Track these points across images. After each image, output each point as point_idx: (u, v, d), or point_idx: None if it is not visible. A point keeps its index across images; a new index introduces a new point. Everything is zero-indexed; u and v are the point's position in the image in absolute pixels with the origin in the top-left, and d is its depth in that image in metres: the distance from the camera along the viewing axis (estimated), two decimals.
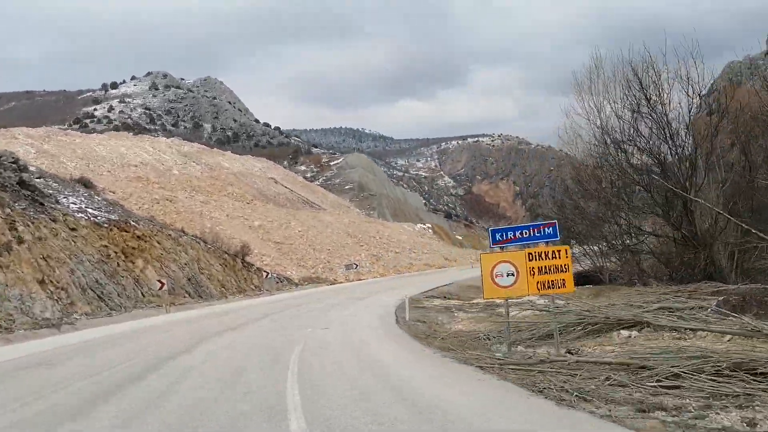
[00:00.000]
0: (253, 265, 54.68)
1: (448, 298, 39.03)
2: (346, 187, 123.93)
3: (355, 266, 66.35)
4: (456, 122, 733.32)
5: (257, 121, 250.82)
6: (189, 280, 43.92)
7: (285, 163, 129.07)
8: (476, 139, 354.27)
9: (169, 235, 45.81)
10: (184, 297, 41.66)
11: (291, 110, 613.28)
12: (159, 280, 34.95)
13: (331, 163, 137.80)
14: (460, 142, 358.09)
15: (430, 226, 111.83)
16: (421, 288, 44.01)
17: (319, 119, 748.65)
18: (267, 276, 48.46)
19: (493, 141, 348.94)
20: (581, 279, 47.17)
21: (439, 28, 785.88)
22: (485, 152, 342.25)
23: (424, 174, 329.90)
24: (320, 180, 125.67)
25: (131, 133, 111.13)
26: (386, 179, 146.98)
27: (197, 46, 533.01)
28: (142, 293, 37.78)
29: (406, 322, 23.10)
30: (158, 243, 43.18)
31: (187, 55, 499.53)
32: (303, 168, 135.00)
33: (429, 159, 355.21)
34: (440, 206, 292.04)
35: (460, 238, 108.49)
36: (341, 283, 64.77)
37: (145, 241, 41.70)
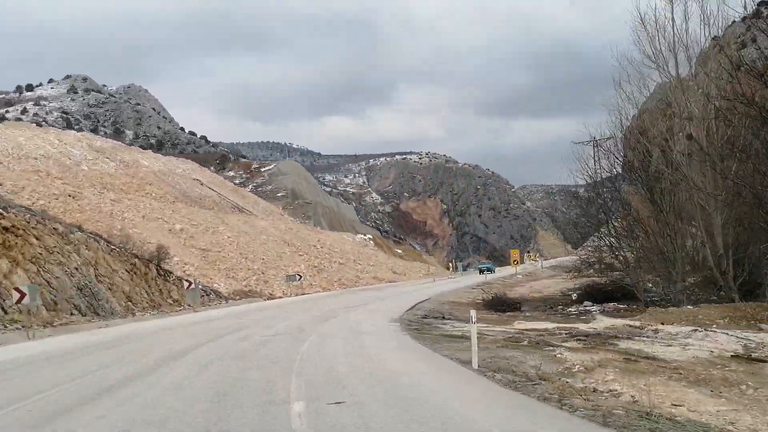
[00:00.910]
0: (171, 273, 41.73)
1: (448, 318, 27.41)
2: (279, 194, 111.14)
3: (298, 278, 53.83)
4: (384, 140, 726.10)
5: (183, 129, 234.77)
6: (80, 290, 30.76)
7: (212, 168, 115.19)
8: (404, 156, 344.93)
9: (55, 229, 32.55)
10: (71, 314, 28.65)
11: (218, 122, 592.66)
12: (17, 289, 22.04)
13: (262, 170, 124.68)
14: (388, 159, 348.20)
15: (371, 237, 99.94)
16: (397, 304, 32.47)
17: (246, 133, 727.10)
18: (190, 287, 35.54)
19: (420, 158, 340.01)
20: (610, 294, 36.28)
21: (367, 46, 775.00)
22: (413, 169, 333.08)
23: (352, 190, 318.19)
24: (250, 187, 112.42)
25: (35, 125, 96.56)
26: (320, 188, 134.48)
27: (120, 54, 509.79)
28: (2, 308, 24.80)
29: (490, 376, 10.95)
30: (37, 239, 29.97)
31: (110, 63, 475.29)
32: (231, 174, 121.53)
33: (357, 175, 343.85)
34: (368, 222, 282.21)
35: (400, 251, 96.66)
36: (280, 297, 52.33)
37: (16, 235, 28.55)
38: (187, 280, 36.32)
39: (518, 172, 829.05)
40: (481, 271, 70.40)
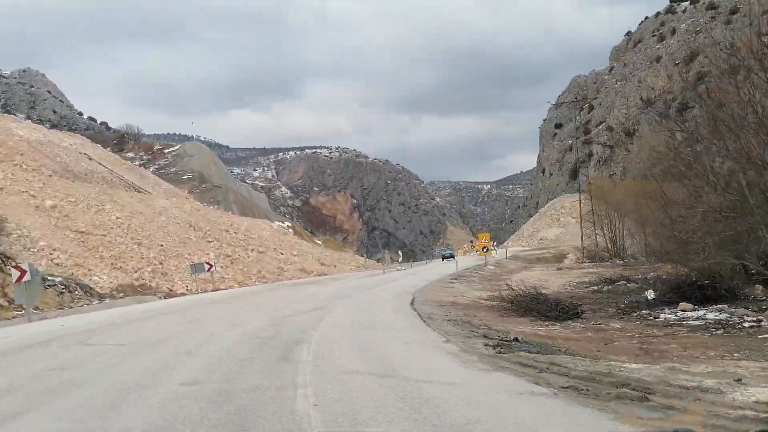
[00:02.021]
0: (11, 259, 26.32)
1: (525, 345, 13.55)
2: (184, 177, 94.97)
3: (206, 268, 38.98)
4: (293, 134, 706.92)
5: (81, 114, 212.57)
6: None
7: (108, 149, 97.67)
8: (314, 150, 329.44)
9: None
10: None
11: (122, 112, 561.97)
12: None
13: (166, 151, 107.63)
14: (297, 152, 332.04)
15: (290, 225, 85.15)
16: (393, 308, 18.88)
17: (152, 124, 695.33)
18: (22, 278, 20.19)
19: (330, 153, 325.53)
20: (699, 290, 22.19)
21: (276, 40, 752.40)
22: (323, 164, 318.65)
23: (261, 184, 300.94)
24: (152, 169, 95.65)
25: None
26: (230, 174, 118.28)
27: (18, 39, 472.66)
28: None
29: None
30: None
31: (6, 48, 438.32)
32: (131, 155, 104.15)
33: (266, 169, 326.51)
34: (279, 217, 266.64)
35: (320, 243, 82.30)
36: (182, 294, 37.55)
37: None
38: (17, 267, 20.92)
39: (427, 168, 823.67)
40: (444, 258, 65.61)
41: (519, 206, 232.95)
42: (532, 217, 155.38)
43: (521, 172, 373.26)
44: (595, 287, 29.53)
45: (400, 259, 53.41)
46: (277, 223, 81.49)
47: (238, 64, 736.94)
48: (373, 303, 22.20)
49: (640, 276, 32.12)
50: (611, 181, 77.55)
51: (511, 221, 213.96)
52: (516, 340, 12.84)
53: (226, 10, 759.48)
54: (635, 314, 20.07)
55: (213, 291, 37.20)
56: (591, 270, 39.11)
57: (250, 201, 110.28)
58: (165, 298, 34.63)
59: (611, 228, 56.58)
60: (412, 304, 21.62)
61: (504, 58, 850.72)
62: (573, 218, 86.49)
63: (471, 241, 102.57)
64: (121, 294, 34.33)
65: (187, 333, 15.40)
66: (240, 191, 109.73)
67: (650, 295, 21.35)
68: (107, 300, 30.66)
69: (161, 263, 45.52)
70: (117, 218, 50.06)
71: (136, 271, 42.72)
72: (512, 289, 22.37)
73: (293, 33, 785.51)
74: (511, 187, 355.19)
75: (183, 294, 38.57)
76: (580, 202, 63.86)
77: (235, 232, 57.16)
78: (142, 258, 45.25)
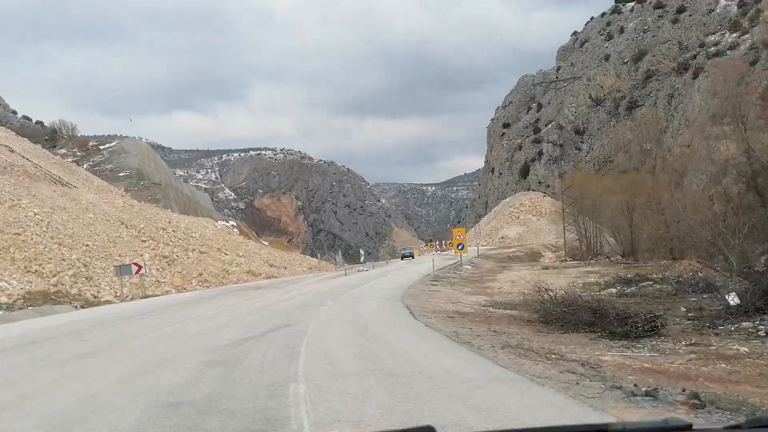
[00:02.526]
0: None
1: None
2: (121, 174, 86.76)
3: (134, 270, 31.96)
4: (237, 136, 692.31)
5: (15, 112, 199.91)
6: None
7: (39, 145, 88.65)
8: (258, 152, 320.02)
9: None
10: None
11: (59, 113, 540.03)
12: None
13: (102, 148, 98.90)
14: (242, 154, 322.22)
15: (235, 224, 77.97)
16: (406, 332, 11.92)
17: (92, 126, 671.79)
18: None
19: (275, 155, 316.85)
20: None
21: (219, 42, 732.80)
22: (267, 165, 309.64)
23: (204, 186, 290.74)
24: (86, 166, 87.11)
25: None
26: (172, 173, 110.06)
27: None
28: None
29: None
30: None
31: None
32: (63, 151, 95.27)
33: (209, 171, 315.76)
34: (222, 216, 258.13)
35: (266, 243, 75.47)
36: (109, 303, 30.62)
37: None
38: None
39: (372, 169, 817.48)
40: (404, 257, 65.36)
41: (466, 206, 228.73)
42: (483, 216, 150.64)
43: (465, 174, 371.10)
44: (612, 289, 23.64)
45: (362, 258, 47.15)
46: (221, 222, 74.22)
47: (179, 66, 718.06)
48: (360, 316, 15.89)
49: (659, 276, 26.35)
50: (596, 176, 72.50)
51: (459, 222, 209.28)
52: (696, 398, 6.47)
53: (166, 11, 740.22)
54: (724, 326, 14.17)
55: (143, 298, 30.21)
56: (589, 269, 33.43)
57: (192, 200, 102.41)
58: (83, 307, 27.65)
59: (593, 225, 51.18)
60: (412, 315, 15.44)
61: (446, 61, 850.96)
62: (533, 216, 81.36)
63: (430, 240, 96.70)
64: (27, 303, 27.18)
65: (46, 394, 8.38)
66: (182, 189, 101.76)
67: (733, 300, 15.46)
68: (3, 311, 23.56)
69: (86, 266, 38.21)
70: (35, 215, 42.41)
71: (54, 275, 35.41)
72: (548, 294, 16.16)
73: (236, 35, 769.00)
74: (455, 188, 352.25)
75: (109, 302, 31.56)
76: (563, 199, 58.43)
77: (173, 231, 49.88)
78: (63, 260, 37.89)
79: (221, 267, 46.03)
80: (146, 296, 31.21)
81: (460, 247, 38.18)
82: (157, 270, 42.16)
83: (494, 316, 17.27)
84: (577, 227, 55.46)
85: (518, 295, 23.97)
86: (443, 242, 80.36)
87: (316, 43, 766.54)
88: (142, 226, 47.72)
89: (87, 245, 41.47)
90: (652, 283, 23.35)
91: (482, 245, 67.87)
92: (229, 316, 17.68)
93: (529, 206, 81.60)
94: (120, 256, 41.16)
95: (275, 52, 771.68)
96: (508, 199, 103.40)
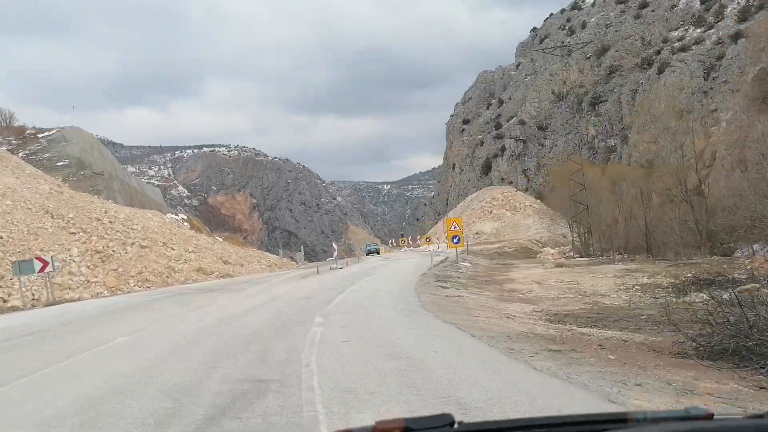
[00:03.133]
0: None
1: None
2: (59, 164, 77.66)
3: (38, 267, 23.87)
4: (191, 133, 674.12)
5: None
6: None
7: None
8: (212, 148, 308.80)
9: None
10: None
11: (8, 108, 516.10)
12: None
13: (40, 136, 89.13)
14: (195, 151, 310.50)
15: (185, 217, 69.71)
16: None
17: (41, 120, 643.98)
18: None
19: (229, 151, 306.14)
20: None
21: (173, 37, 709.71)
22: (222, 162, 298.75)
23: (157, 182, 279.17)
24: (21, 155, 77.47)
25: None
26: (119, 164, 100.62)
27: None
28: None
29: None
30: None
31: None
32: None
33: (162, 167, 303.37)
34: (173, 210, 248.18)
35: (220, 239, 67.36)
36: (15, 309, 22.77)
37: None
38: None
39: (328, 167, 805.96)
40: (369, 252, 64.11)
41: (425, 204, 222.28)
42: (443, 213, 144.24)
43: (420, 172, 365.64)
44: (701, 295, 16.61)
45: (335, 254, 39.96)
46: (170, 215, 65.90)
47: (132, 61, 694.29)
48: (396, 347, 8.49)
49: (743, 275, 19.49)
50: (600, 168, 65.91)
51: (418, 219, 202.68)
52: None
53: (117, 3, 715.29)
54: None
55: (48, 305, 22.27)
56: (625, 268, 26.47)
57: (140, 193, 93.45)
58: None
59: (597, 218, 44.24)
60: (487, 345, 8.25)
61: (402, 59, 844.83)
62: (507, 210, 74.85)
63: (402, 235, 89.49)
64: None
65: None
66: (128, 181, 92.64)
67: None
68: None
69: None
70: None
71: None
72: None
73: (190, 30, 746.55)
74: (410, 187, 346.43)
75: (15, 309, 23.61)
76: (568, 186, 51.50)
77: (110, 222, 41.62)
78: None
79: (166, 264, 38.07)
80: (54, 302, 23.23)
81: (455, 241, 30.44)
82: (88, 267, 34.22)
83: (592, 340, 10.12)
84: (578, 222, 49.20)
85: (566, 301, 16.94)
86: (418, 237, 73.25)
87: (271, 39, 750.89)
88: (71, 216, 39.38)
89: (0, 237, 33.29)
90: (758, 286, 16.41)
91: (443, 243, 61.11)
92: (147, 350, 10.09)
93: (502, 201, 75.14)
94: (41, 250, 33.01)
95: (229, 48, 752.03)
96: (475, 194, 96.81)
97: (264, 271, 47.12)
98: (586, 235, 42.51)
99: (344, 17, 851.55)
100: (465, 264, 32.17)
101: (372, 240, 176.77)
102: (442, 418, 1.59)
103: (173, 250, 42.22)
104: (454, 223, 30.60)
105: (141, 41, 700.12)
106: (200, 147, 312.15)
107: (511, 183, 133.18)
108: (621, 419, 1.64)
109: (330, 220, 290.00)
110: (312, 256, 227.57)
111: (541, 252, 46.23)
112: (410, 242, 79.23)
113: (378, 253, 67.57)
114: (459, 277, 24.22)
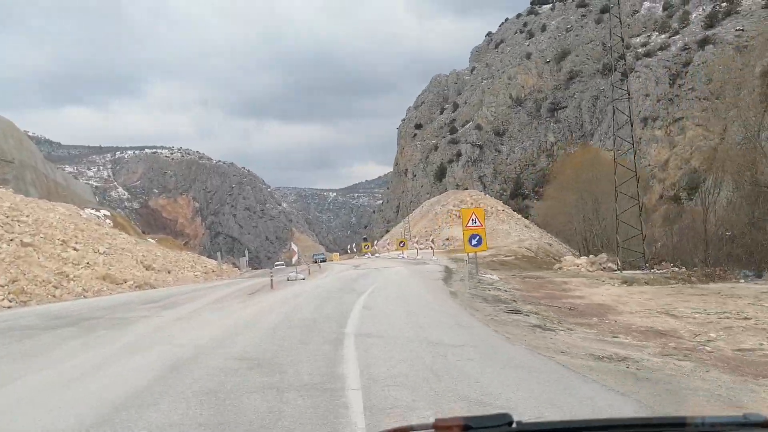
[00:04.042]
0: None
1: None
2: None
3: None
4: (132, 134, 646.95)
5: None
6: None
7: None
8: (154, 150, 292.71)
9: None
10: None
11: None
12: None
13: None
14: (137, 152, 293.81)
15: (108, 213, 58.09)
16: None
17: None
18: None
19: (172, 154, 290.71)
20: None
21: (116, 36, 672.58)
22: (164, 165, 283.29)
23: (95, 184, 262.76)
24: None
25: None
26: (40, 155, 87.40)
27: None
28: None
29: None
30: None
31: None
32: None
33: (102, 168, 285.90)
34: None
35: (153, 240, 56.08)
36: None
37: None
38: None
39: (274, 173, 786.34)
40: (315, 261, 57.24)
41: (374, 211, 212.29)
42: (394, 221, 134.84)
43: (366, 180, 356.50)
44: None
45: (296, 258, 29.56)
46: (88, 209, 54.10)
47: (72, 58, 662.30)
48: None
49: None
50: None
51: (365, 227, 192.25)
52: None
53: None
54: None
55: None
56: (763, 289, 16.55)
57: (66, 188, 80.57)
58: None
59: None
60: None
61: (349, 67, 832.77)
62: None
63: (365, 239, 78.14)
64: None
65: None
66: (52, 175, 79.81)
67: None
68: None
69: None
70: None
71: None
72: None
73: (133, 28, 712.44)
74: (356, 195, 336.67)
75: None
76: (614, 172, 41.58)
77: None
78: None
79: (57, 269, 26.77)
80: None
81: (475, 243, 19.58)
82: None
83: None
84: (593, 221, 40.09)
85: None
86: (387, 242, 62.48)
87: (217, 40, 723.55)
88: None
89: None
90: None
91: (421, 248, 51.30)
92: None
93: (472, 204, 65.53)
94: None
95: (173, 48, 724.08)
96: (436, 198, 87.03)
97: (197, 280, 36.11)
98: (626, 241, 32.05)
99: (291, 21, 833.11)
100: (491, 277, 22.01)
101: (317, 248, 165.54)
102: (500, 418, 1.56)
103: (75, 250, 30.91)
104: (473, 216, 20.04)
105: (82, 39, 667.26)
106: (142, 148, 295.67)
107: (467, 189, 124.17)
108: (679, 423, 1.61)
109: (275, 227, 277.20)
110: (256, 262, 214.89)
111: (559, 262, 36.39)
112: (374, 247, 68.74)
113: (324, 261, 61.34)
114: (514, 299, 14.20)
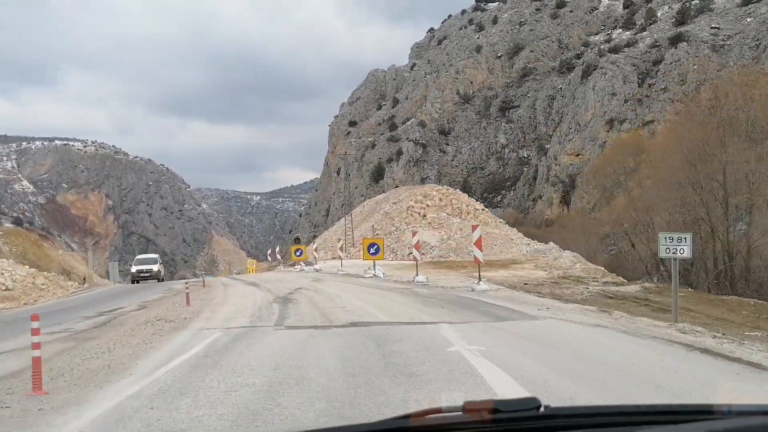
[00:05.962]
0: None
1: None
2: None
3: None
4: (42, 124, 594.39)
5: None
6: None
7: None
8: (65, 142, 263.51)
9: None
10: None
11: None
12: None
13: None
14: (46, 143, 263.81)
15: None
16: None
17: None
18: None
19: (85, 147, 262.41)
20: None
21: (30, 20, 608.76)
22: (75, 158, 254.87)
23: None
24: None
25: None
26: None
27: None
28: None
29: None
30: None
31: None
32: None
33: (5, 158, 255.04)
34: (13, 213, 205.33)
35: (7, 248, 34.42)
36: None
37: None
38: None
39: (195, 173, 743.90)
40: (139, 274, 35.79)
41: (300, 215, 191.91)
42: (323, 225, 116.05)
43: (291, 185, 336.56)
44: None
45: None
46: None
47: None
48: None
49: None
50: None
51: (290, 231, 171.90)
52: None
53: None
54: None
55: None
56: None
57: None
58: None
59: None
60: None
61: (277, 69, 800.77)
62: (452, 215, 47.25)
63: (296, 238, 57.53)
64: None
65: None
66: None
67: None
68: None
69: None
70: None
71: None
72: None
73: (49, 14, 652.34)
74: (281, 199, 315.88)
75: None
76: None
77: None
78: None
79: None
80: None
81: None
82: None
83: None
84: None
85: None
86: (315, 248, 41.08)
87: (140, 33, 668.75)
88: None
89: None
90: None
91: (326, 259, 32.79)
92: None
93: (441, 201, 47.44)
94: None
95: (92, 38, 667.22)
96: (383, 195, 68.58)
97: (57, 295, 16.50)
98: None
99: (218, 18, 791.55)
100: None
101: (237, 252, 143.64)
102: (529, 402, 1.55)
103: None
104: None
105: None
106: (51, 140, 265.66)
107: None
108: (707, 410, 1.59)
109: (193, 228, 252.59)
110: (171, 266, 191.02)
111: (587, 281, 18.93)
112: (276, 257, 48.45)
113: (150, 275, 34.72)
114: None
